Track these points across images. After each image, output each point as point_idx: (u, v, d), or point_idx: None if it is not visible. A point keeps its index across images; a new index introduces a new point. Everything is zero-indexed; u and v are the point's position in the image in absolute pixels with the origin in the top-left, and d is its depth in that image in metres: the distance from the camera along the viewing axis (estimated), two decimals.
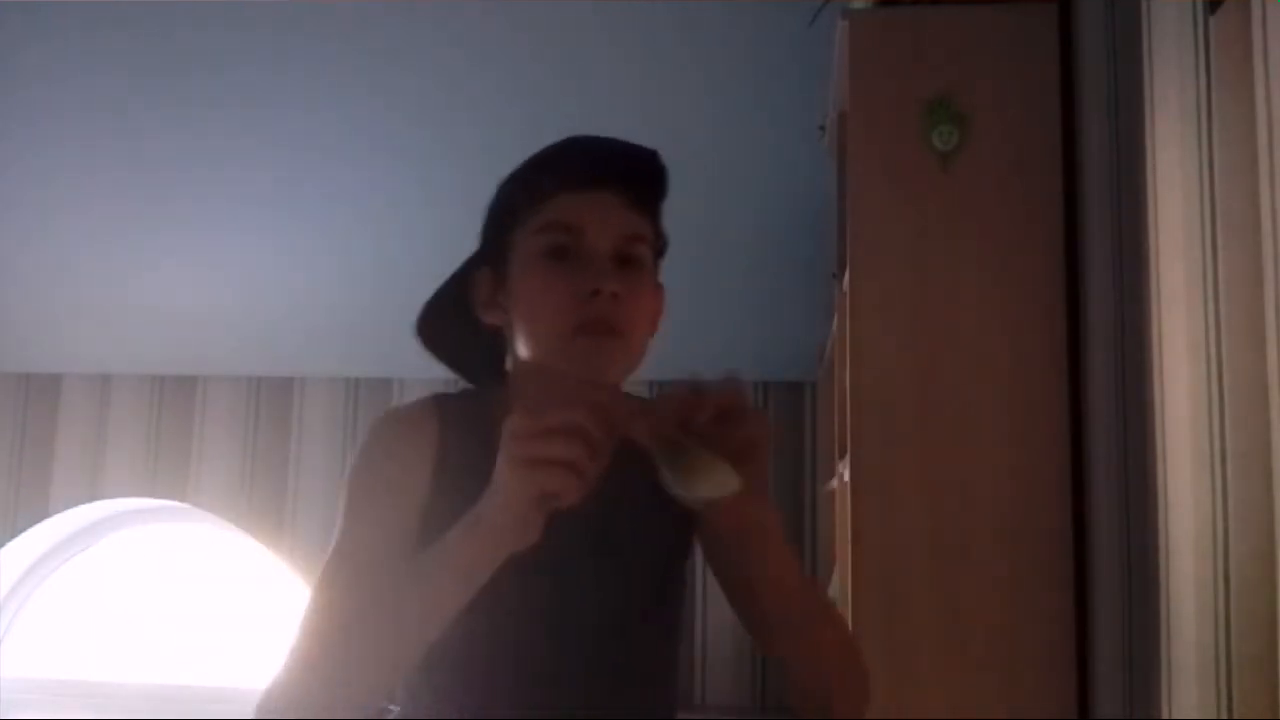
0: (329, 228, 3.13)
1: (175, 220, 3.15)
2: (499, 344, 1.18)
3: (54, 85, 2.79)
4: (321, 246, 3.19)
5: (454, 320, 1.19)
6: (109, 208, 3.13)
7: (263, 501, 3.65)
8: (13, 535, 3.76)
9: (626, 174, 1.14)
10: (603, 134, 1.17)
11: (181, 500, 3.70)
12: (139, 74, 2.73)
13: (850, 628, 1.19)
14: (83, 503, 3.76)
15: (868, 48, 1.86)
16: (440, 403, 1.16)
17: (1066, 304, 1.77)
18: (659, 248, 1.18)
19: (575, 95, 2.66)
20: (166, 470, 3.71)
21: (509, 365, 1.18)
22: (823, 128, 2.37)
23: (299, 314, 3.40)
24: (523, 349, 1.12)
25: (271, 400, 3.69)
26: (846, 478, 1.84)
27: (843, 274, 1.95)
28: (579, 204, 1.11)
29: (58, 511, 3.76)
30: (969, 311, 1.77)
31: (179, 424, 3.73)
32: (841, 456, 2.03)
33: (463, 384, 1.25)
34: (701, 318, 3.07)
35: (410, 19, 2.54)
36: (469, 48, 2.60)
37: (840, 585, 2.09)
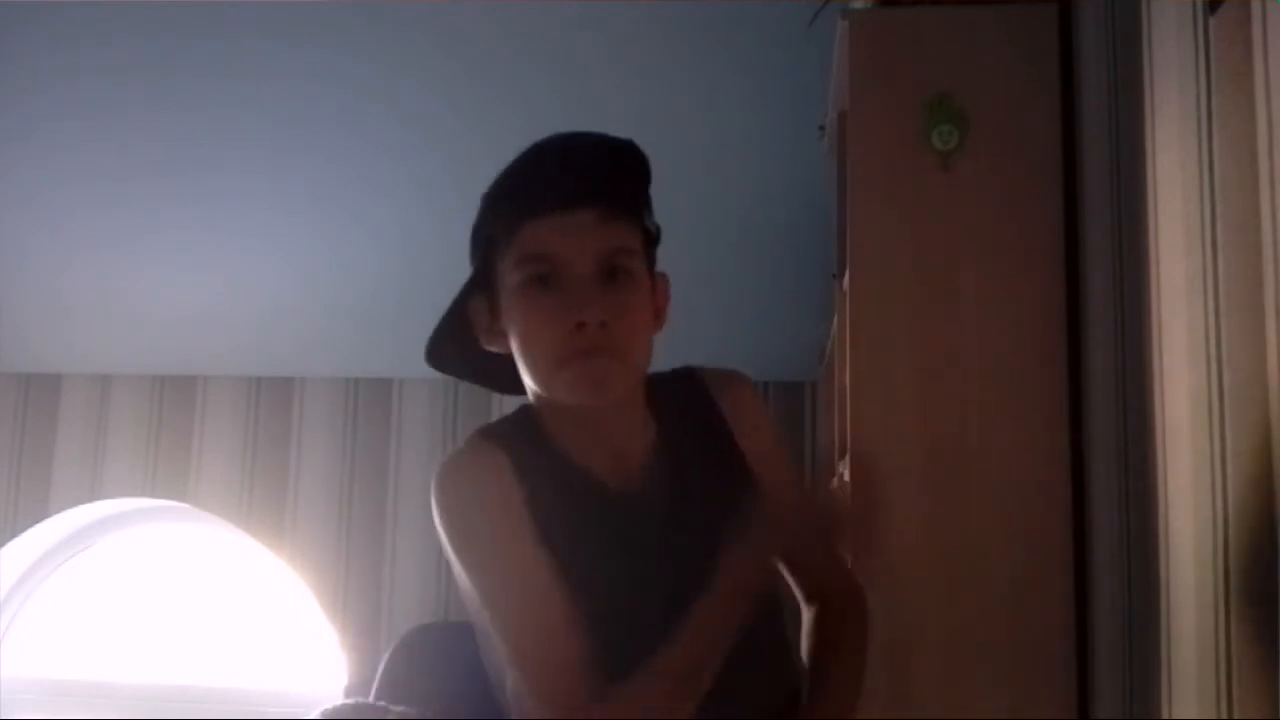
0: (329, 228, 3.13)
1: (175, 221, 3.15)
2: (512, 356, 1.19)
3: (54, 88, 2.79)
4: (322, 247, 3.19)
5: (461, 345, 1.21)
6: (109, 208, 3.13)
7: (263, 501, 3.64)
8: (13, 535, 3.76)
9: (597, 187, 1.10)
10: (600, 131, 1.16)
11: (181, 500, 3.69)
12: (140, 76, 2.73)
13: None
14: (83, 503, 3.75)
15: (868, 48, 1.86)
16: (491, 433, 1.18)
17: (1066, 304, 1.77)
18: (650, 239, 1.17)
19: (574, 95, 2.66)
20: (166, 470, 3.71)
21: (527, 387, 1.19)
22: (823, 128, 2.37)
23: (299, 314, 3.40)
24: (525, 378, 1.15)
25: (271, 400, 3.69)
26: (846, 478, 1.84)
27: (843, 274, 1.95)
28: (551, 231, 1.08)
29: (58, 511, 3.75)
30: (969, 311, 1.77)
31: (179, 424, 3.73)
32: (841, 456, 2.03)
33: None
34: (701, 317, 3.07)
35: (408, 20, 2.54)
36: (466, 48, 2.60)
37: None
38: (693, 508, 1.17)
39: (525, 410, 1.20)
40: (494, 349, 1.17)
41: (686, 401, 1.24)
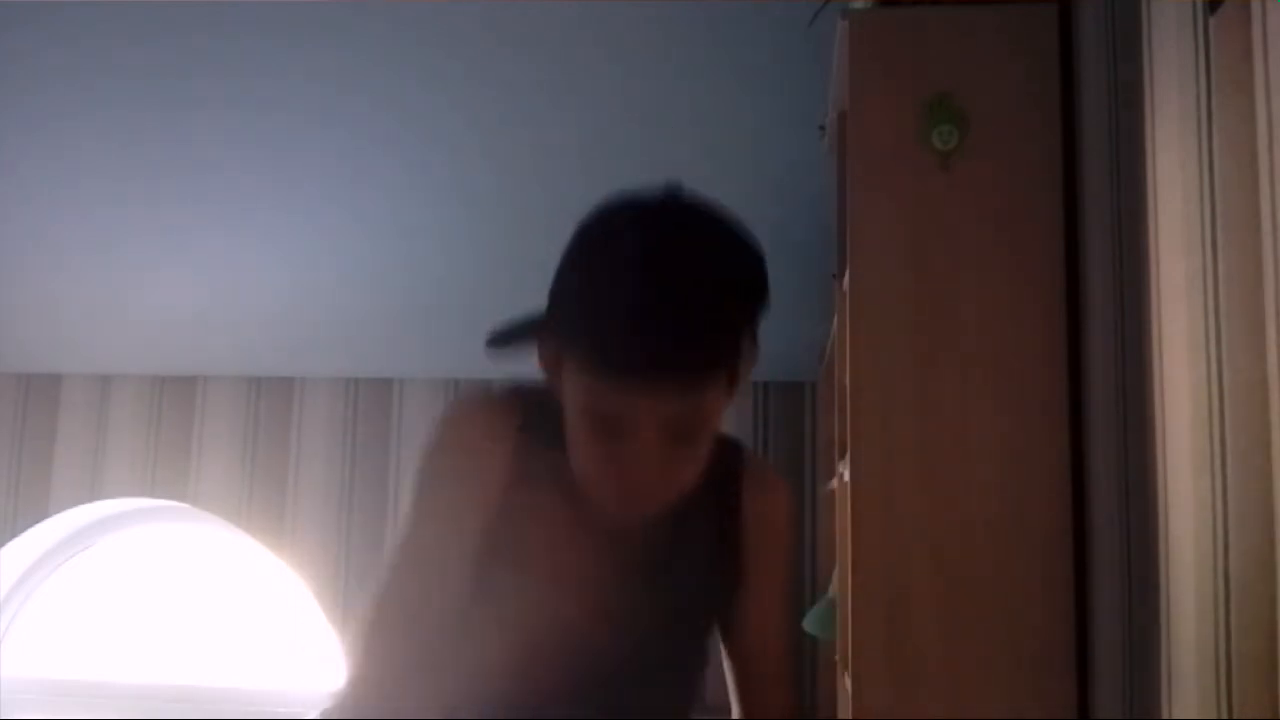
0: (329, 228, 3.13)
1: (175, 221, 3.15)
2: None
3: (54, 88, 2.79)
4: (322, 247, 3.19)
5: (519, 347, 1.12)
6: (109, 209, 3.13)
7: (263, 501, 3.65)
8: (13, 535, 3.76)
9: (682, 358, 0.95)
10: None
11: (181, 500, 3.70)
12: (140, 76, 2.73)
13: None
14: (83, 503, 3.76)
15: (868, 48, 1.86)
16: (521, 395, 1.12)
17: (1066, 303, 1.77)
18: (748, 350, 1.03)
19: (574, 95, 2.66)
20: (166, 470, 3.71)
21: None
22: (823, 128, 2.37)
23: (299, 314, 3.40)
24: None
25: (271, 400, 3.69)
26: (846, 478, 1.84)
27: (843, 274, 1.95)
28: (620, 400, 0.96)
29: (58, 511, 3.76)
30: (969, 311, 1.77)
31: (179, 424, 3.73)
32: (841, 456, 2.03)
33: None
34: None
35: (408, 20, 2.54)
36: (466, 48, 2.60)
37: (840, 585, 2.09)
38: (674, 579, 1.15)
39: None
40: (546, 381, 1.08)
41: (717, 478, 1.15)
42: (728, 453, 1.18)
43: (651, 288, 0.94)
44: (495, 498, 1.08)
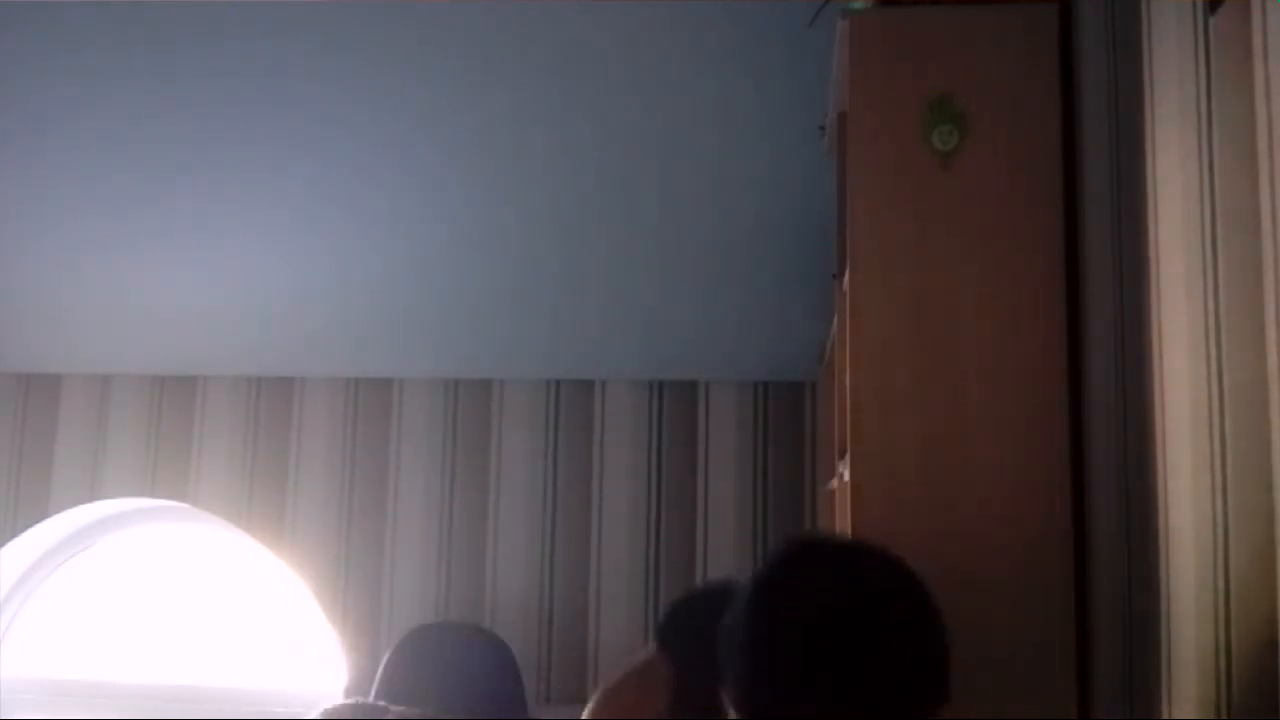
0: (330, 228, 3.13)
1: (175, 221, 3.15)
2: None
3: (55, 88, 2.79)
4: (322, 247, 3.19)
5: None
6: (109, 209, 3.13)
7: (263, 501, 3.64)
8: (13, 535, 3.76)
9: None
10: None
11: (181, 500, 3.70)
12: (140, 76, 2.73)
13: None
14: (83, 503, 3.75)
15: (868, 48, 1.86)
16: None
17: (1066, 303, 1.77)
18: None
19: (574, 95, 2.66)
20: (166, 470, 3.71)
21: None
22: (823, 128, 2.37)
23: (299, 314, 3.40)
24: None
25: (271, 400, 3.69)
26: (846, 478, 1.84)
27: (843, 274, 1.95)
28: None
29: (58, 511, 3.76)
30: (969, 311, 1.78)
31: (179, 424, 3.73)
32: (841, 456, 2.03)
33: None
34: (702, 318, 3.07)
35: (409, 20, 2.54)
36: (467, 48, 2.60)
37: None
38: None
39: None
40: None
41: None
42: None
43: None
44: None
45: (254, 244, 3.20)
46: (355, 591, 3.53)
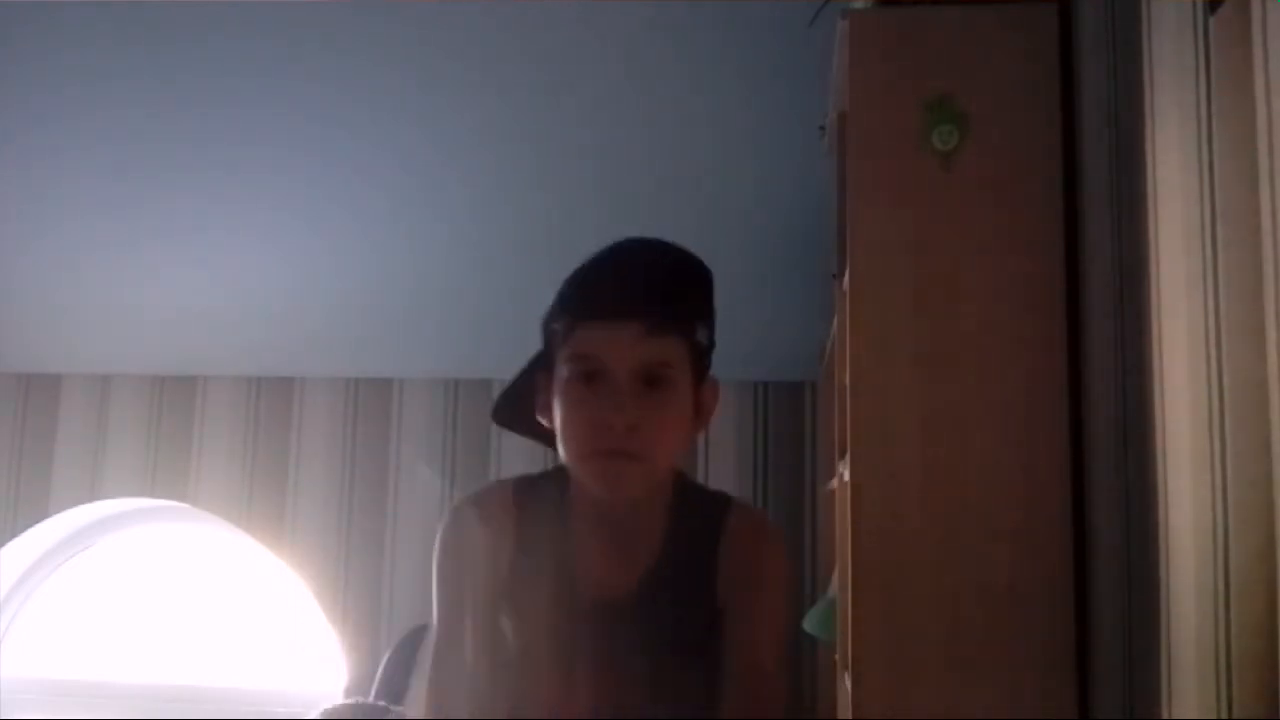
0: (330, 228, 3.13)
1: (175, 221, 3.15)
2: None
3: (55, 88, 2.79)
4: (322, 247, 3.19)
5: (524, 410, 1.32)
6: (109, 208, 3.13)
7: (263, 501, 3.64)
8: (13, 535, 3.76)
9: (647, 303, 1.20)
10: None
11: (181, 500, 3.70)
12: (140, 76, 2.73)
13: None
14: (83, 503, 3.75)
15: (868, 48, 1.86)
16: (520, 488, 1.32)
17: (1066, 304, 1.77)
18: (701, 350, 1.25)
19: (574, 96, 2.66)
20: (166, 470, 3.71)
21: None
22: (823, 128, 2.37)
23: (299, 314, 3.40)
24: (561, 455, 1.25)
25: (271, 400, 3.69)
26: (846, 478, 1.84)
27: (843, 274, 1.95)
28: (600, 338, 1.20)
29: (58, 511, 3.76)
30: (969, 311, 1.77)
31: (179, 424, 3.73)
32: (841, 456, 2.03)
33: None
34: None
35: (409, 20, 2.54)
36: (467, 48, 2.60)
37: (840, 585, 2.09)
38: (660, 634, 1.27)
39: (563, 470, 1.29)
40: (544, 421, 1.28)
41: (700, 528, 1.30)
42: (718, 502, 1.32)
43: (620, 261, 1.24)
44: (502, 576, 1.27)
45: (254, 244, 3.20)
46: (355, 591, 3.53)
